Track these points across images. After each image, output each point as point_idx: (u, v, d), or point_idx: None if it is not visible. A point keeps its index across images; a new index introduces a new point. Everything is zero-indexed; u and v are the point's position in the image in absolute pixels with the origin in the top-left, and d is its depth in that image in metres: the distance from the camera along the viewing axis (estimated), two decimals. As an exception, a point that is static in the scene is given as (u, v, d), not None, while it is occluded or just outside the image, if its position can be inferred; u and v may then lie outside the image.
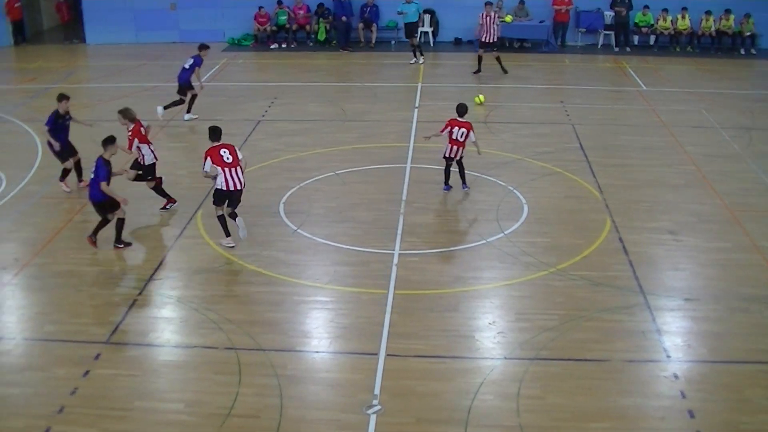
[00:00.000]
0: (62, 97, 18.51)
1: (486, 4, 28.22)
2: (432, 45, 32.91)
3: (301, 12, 33.02)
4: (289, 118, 23.34)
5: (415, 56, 30.30)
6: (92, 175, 15.52)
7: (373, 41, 32.95)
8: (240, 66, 29.12)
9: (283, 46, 32.67)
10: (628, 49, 32.82)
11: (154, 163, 17.29)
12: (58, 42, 35.51)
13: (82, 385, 11.65)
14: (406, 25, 30.48)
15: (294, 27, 32.69)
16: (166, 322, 13.32)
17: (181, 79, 23.48)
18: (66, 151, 18.60)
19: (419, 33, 31.74)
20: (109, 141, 15.78)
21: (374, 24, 32.84)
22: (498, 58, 28.40)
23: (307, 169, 19.31)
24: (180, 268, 15.02)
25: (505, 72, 28.30)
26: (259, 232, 16.19)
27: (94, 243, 15.73)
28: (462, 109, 17.86)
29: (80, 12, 34.98)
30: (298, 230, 16.22)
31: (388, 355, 12.20)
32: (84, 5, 34.23)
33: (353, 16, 32.88)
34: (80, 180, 18.78)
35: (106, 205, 15.61)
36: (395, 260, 15.01)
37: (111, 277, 14.81)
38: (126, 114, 17.23)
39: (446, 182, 18.17)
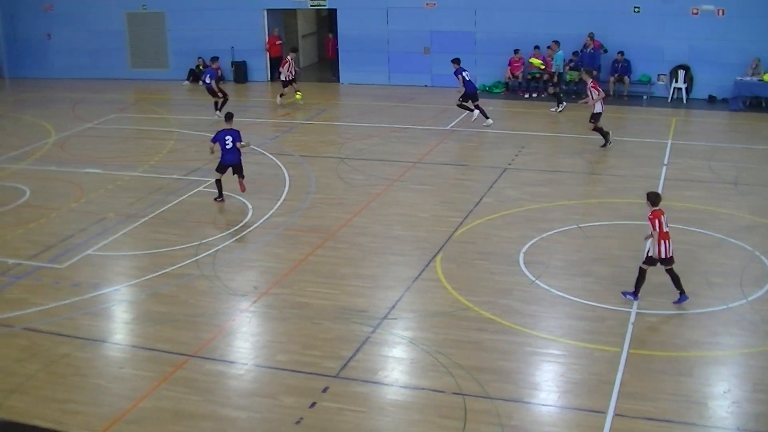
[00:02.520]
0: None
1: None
2: (685, 102, 32.01)
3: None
4: (535, 168, 23.17)
5: (558, 104, 30.35)
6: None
7: (626, 94, 32.36)
8: (489, 113, 29.21)
9: (534, 95, 32.58)
10: None
11: None
12: (313, 80, 36.77)
13: (308, 415, 11.87)
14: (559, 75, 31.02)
15: (544, 77, 32.55)
16: (397, 362, 13.41)
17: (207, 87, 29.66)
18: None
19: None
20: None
21: (626, 77, 32.26)
22: None
23: (550, 220, 19.08)
24: (415, 310, 15.10)
25: None
26: (497, 280, 16.10)
27: None
28: (659, 199, 15.12)
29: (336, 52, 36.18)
30: (536, 281, 16.01)
31: (616, 414, 11.80)
32: (341, 46, 35.33)
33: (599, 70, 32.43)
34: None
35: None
36: (632, 318, 14.55)
37: (346, 312, 15.03)
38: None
39: (637, 293, 15.33)
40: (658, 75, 32.13)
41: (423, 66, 33.85)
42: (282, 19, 37.55)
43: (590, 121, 25.00)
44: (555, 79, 30.97)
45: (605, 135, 25.10)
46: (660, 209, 14.90)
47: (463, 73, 27.35)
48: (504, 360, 13.27)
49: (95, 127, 29.85)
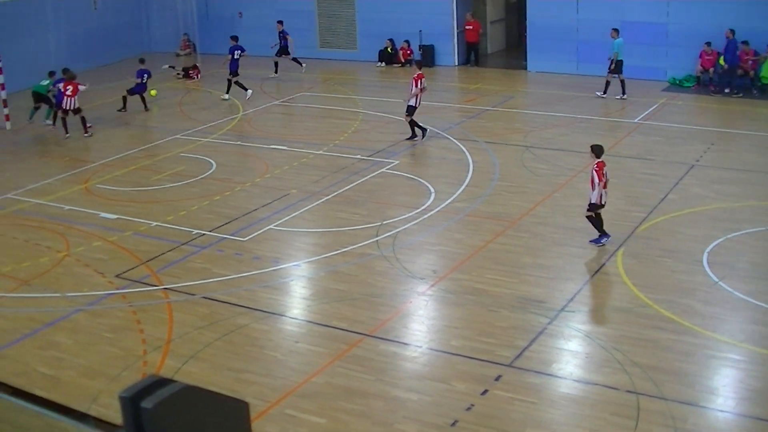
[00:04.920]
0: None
1: None
2: None
3: (748, 58, 31.71)
4: (724, 165, 22.48)
5: (605, 92, 29.94)
6: None
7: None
8: (679, 107, 28.52)
9: (726, 91, 31.57)
10: None
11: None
12: (501, 66, 36.70)
13: (479, 403, 11.97)
14: (617, 62, 29.69)
15: (739, 72, 31.48)
16: (572, 355, 13.36)
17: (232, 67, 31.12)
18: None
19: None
20: None
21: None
22: None
23: (738, 220, 18.51)
24: (593, 304, 15.01)
25: None
26: (679, 279, 15.79)
27: None
28: (599, 150, 17.27)
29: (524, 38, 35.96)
30: (720, 282, 15.61)
31: (798, 427, 11.47)
32: (529, 33, 35.05)
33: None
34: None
35: None
36: (821, 328, 14.05)
37: (524, 301, 15.04)
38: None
39: (604, 232, 17.27)
40: None
41: (613, 56, 33.31)
42: (472, 3, 37.55)
43: (406, 114, 25.07)
44: (612, 66, 29.81)
45: (415, 130, 24.99)
46: (602, 161, 17.02)
47: (235, 52, 30.99)
48: (681, 361, 13.03)
49: (282, 104, 30.67)
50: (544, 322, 14.22)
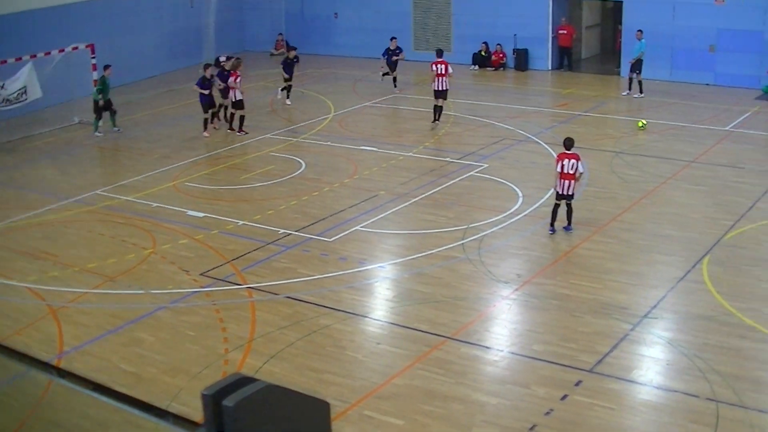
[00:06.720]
0: (208, 66, 27.01)
1: None
2: None
3: None
4: (816, 174, 22.23)
5: (629, 88, 31.33)
6: None
7: None
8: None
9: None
10: None
11: None
12: (594, 72, 36.58)
13: (558, 408, 12.13)
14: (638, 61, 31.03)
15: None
16: (653, 362, 13.44)
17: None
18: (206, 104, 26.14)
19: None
20: None
21: None
22: None
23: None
24: (677, 311, 15.02)
25: None
26: (764, 288, 15.79)
27: None
28: (569, 143, 18.27)
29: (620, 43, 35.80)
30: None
31: None
32: (624, 38, 34.80)
33: None
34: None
35: None
36: None
37: (606, 307, 15.13)
38: None
39: (552, 224, 18.44)
40: None
41: (707, 64, 32.92)
42: (567, 8, 37.49)
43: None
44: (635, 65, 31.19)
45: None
46: (565, 153, 18.09)
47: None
48: (764, 370, 13.05)
49: (373, 105, 31.01)
50: (626, 329, 14.30)
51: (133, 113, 29.50)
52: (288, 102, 31.08)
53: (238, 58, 27.73)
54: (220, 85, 27.06)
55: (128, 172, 24.02)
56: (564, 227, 18.46)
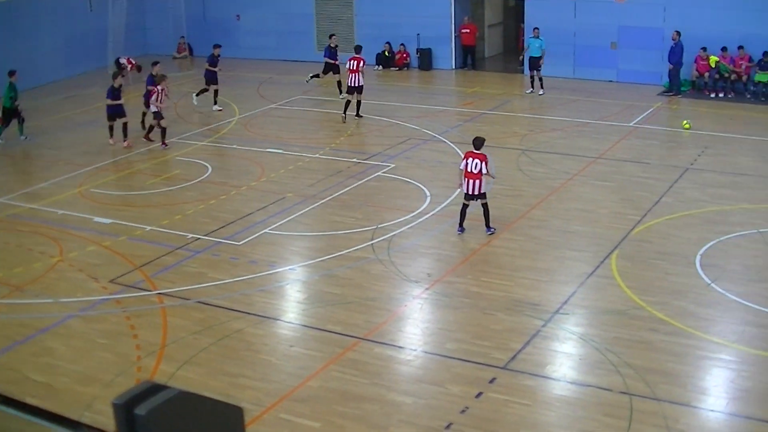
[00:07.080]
0: (116, 75, 26.45)
1: None
2: None
3: (743, 62, 31.78)
4: (718, 169, 22.57)
5: (532, 86, 31.76)
6: None
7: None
8: (674, 112, 28.65)
9: (720, 95, 31.64)
10: None
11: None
12: (497, 70, 36.82)
13: (474, 405, 12.08)
14: (531, 58, 31.82)
15: (732, 77, 31.57)
16: (566, 357, 13.48)
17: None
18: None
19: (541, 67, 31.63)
20: None
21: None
22: None
23: (731, 223, 18.63)
24: (587, 306, 15.09)
25: None
26: (672, 281, 15.90)
27: None
28: (478, 143, 18.09)
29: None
30: (712, 284, 15.72)
31: (788, 426, 11.57)
32: (526, 36, 35.00)
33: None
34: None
35: None
36: (812, 329, 14.16)
37: (517, 304, 15.14)
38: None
39: (461, 224, 18.26)
40: None
41: (609, 61, 33.36)
42: (470, 7, 37.65)
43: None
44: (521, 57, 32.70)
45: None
46: (472, 152, 17.92)
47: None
48: (674, 362, 13.14)
49: (279, 107, 30.69)
50: (538, 325, 14.32)
51: (36, 119, 28.72)
52: (217, 107, 30.16)
53: (163, 75, 26.65)
54: (150, 89, 26.00)
55: (33, 180, 23.40)
56: (486, 230, 18.22)
